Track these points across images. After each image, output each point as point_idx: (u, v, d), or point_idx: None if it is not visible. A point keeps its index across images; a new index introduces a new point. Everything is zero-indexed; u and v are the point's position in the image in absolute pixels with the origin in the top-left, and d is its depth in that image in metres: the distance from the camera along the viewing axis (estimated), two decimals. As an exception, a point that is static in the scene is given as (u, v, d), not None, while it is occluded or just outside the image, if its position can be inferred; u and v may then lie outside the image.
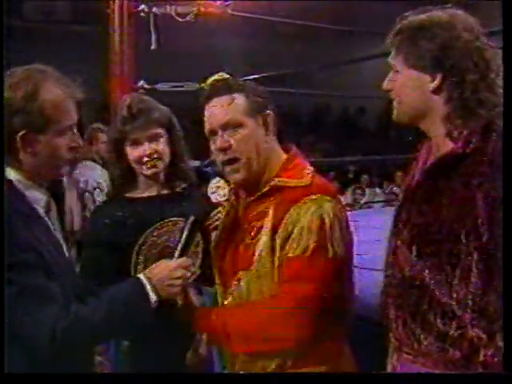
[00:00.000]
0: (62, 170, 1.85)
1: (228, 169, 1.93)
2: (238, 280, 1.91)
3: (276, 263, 1.85)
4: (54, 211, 1.88)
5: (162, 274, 1.83)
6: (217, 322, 1.89)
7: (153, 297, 1.78)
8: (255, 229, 1.89)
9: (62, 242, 1.85)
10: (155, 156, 2.35)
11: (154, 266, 1.87)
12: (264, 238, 1.85)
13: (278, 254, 1.84)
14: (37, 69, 1.78)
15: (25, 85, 1.72)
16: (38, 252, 1.68)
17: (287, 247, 1.83)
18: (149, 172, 2.37)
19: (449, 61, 1.70)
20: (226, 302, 1.96)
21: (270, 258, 1.85)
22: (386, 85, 1.83)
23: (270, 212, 1.87)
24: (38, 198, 1.80)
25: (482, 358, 1.63)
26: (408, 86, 1.77)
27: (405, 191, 1.86)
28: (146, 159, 2.34)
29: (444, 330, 1.68)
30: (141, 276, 1.83)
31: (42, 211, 1.80)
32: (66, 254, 1.85)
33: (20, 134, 1.70)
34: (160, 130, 2.36)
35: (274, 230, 1.85)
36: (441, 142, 1.75)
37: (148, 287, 1.79)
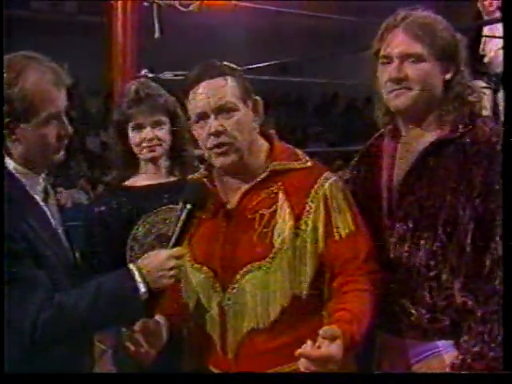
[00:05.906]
0: (54, 158, 1.81)
1: (217, 151, 1.83)
2: (246, 272, 1.82)
3: (312, 247, 1.81)
4: (53, 198, 1.87)
5: (153, 264, 1.73)
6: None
7: (142, 288, 1.71)
8: (267, 216, 1.83)
9: (59, 229, 1.84)
10: (155, 142, 2.38)
11: (145, 255, 1.79)
12: (287, 224, 1.81)
13: (311, 238, 1.81)
14: (22, 55, 1.75)
15: (7, 72, 1.69)
16: (30, 241, 1.67)
17: (331, 230, 1.82)
18: (147, 156, 2.40)
19: (460, 52, 1.86)
20: (229, 297, 1.85)
21: (293, 243, 1.81)
22: (398, 73, 1.83)
23: (281, 196, 1.83)
24: (35, 185, 1.79)
25: (472, 323, 1.75)
26: (432, 75, 1.85)
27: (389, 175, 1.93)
28: (145, 144, 2.38)
29: (432, 302, 1.82)
30: (131, 266, 1.76)
31: (39, 199, 1.79)
32: (64, 242, 1.84)
33: (5, 121, 1.69)
34: (164, 118, 2.39)
35: (296, 215, 1.82)
36: (427, 129, 1.88)
37: (138, 278, 1.71)
